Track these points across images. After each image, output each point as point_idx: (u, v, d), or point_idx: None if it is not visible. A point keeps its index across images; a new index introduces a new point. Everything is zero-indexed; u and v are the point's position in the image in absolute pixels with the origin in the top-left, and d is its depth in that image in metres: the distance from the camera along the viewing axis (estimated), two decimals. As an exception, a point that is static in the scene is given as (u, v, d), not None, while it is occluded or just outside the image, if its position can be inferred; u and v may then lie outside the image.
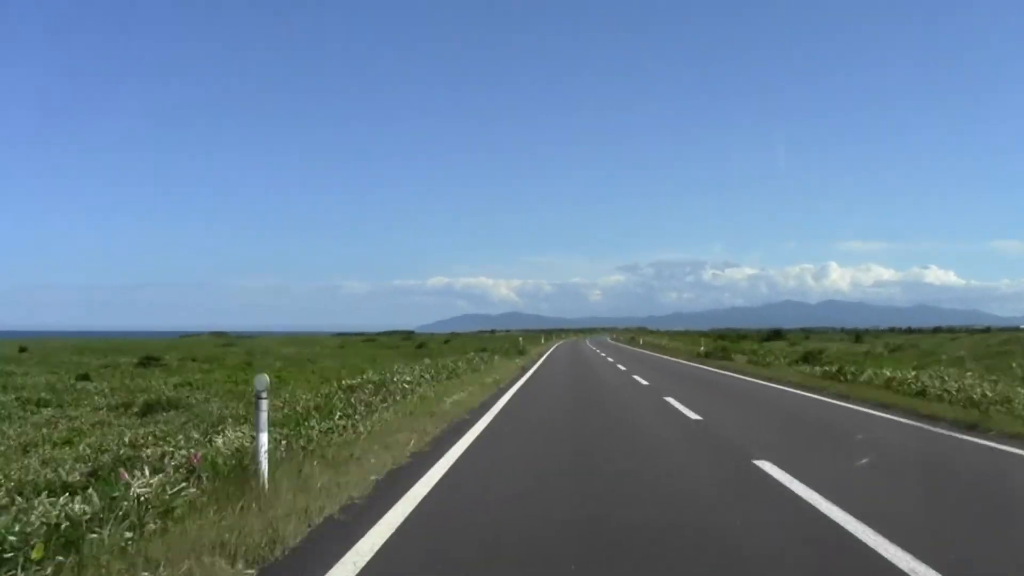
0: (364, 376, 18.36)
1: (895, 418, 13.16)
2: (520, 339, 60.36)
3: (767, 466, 8.02)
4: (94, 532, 4.55)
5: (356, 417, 10.58)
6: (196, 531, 5.04)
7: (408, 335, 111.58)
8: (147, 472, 5.62)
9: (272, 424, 7.24)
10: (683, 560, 4.88)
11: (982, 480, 7.99)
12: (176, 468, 6.47)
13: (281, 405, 12.88)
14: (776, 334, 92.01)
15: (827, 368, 24.48)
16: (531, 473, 8.05)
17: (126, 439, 12.26)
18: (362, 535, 5.35)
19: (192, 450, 7.33)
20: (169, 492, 5.42)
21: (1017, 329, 71.32)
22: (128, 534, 4.70)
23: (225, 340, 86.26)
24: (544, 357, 44.23)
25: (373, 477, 7.34)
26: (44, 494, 5.11)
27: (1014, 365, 19.38)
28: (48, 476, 9.37)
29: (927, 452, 9.82)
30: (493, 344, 57.69)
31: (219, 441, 7.80)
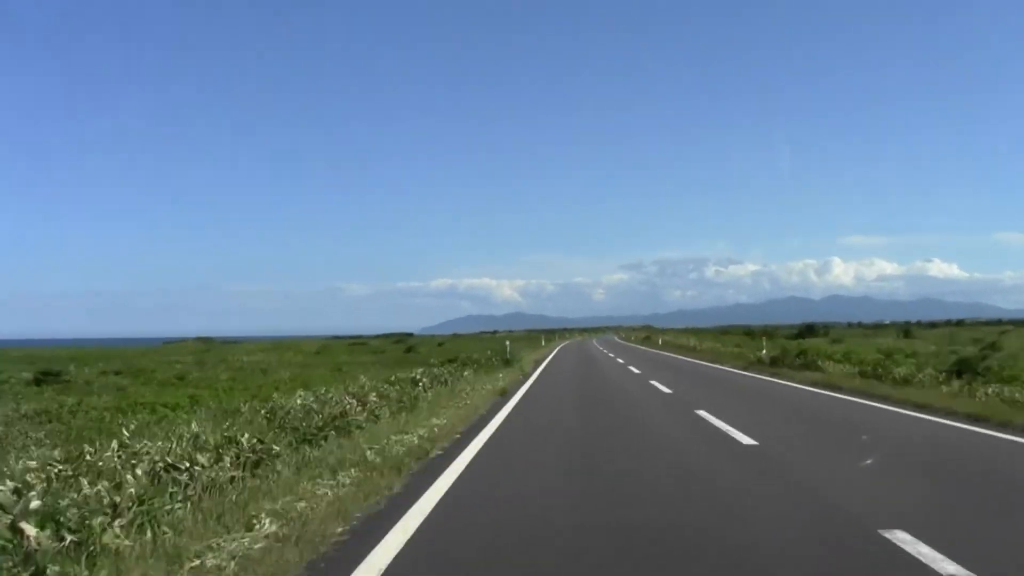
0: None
1: None
2: (507, 343, 42.73)
3: None
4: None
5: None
6: None
7: (403, 338, 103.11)
8: None
9: None
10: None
11: None
12: None
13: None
14: (809, 330, 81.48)
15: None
16: None
17: None
18: None
19: None
20: None
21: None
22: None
23: (206, 346, 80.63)
24: (540, 370, 30.42)
25: None
26: None
27: None
28: None
29: None
30: (480, 348, 46.21)
31: None
